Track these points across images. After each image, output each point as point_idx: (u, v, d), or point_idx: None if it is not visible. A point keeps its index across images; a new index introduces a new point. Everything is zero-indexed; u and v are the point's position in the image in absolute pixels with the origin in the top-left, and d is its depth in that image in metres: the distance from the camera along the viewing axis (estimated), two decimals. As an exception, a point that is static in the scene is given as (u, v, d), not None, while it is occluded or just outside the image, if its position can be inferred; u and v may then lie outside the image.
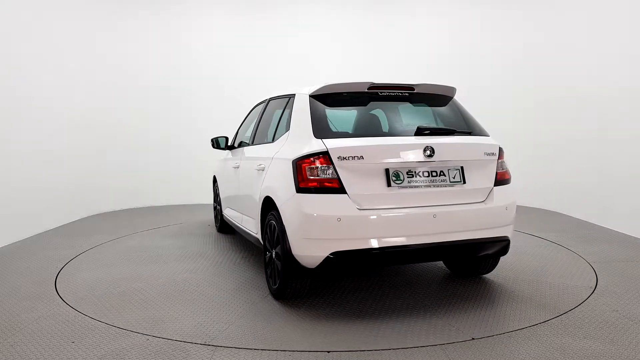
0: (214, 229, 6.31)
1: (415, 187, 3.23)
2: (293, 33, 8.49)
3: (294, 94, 3.86)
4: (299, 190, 3.18)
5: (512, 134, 8.16)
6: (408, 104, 3.86)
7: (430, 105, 3.92)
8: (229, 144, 5.36)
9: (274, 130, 4.12)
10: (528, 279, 4.05)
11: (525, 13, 7.96)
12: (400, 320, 3.19)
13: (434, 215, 3.18)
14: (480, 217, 3.36)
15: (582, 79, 6.83)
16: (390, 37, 8.46)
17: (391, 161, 3.22)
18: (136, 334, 3.03)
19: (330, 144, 3.21)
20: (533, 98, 7.85)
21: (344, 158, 3.14)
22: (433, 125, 3.76)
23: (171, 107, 8.30)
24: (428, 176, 3.27)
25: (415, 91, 3.73)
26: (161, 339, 2.95)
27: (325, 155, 3.16)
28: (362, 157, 3.15)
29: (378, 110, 3.89)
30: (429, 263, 4.54)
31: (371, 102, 3.74)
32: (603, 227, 6.14)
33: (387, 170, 3.20)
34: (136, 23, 8.12)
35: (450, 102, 3.87)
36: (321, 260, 3.11)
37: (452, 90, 3.90)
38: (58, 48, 6.76)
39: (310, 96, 3.60)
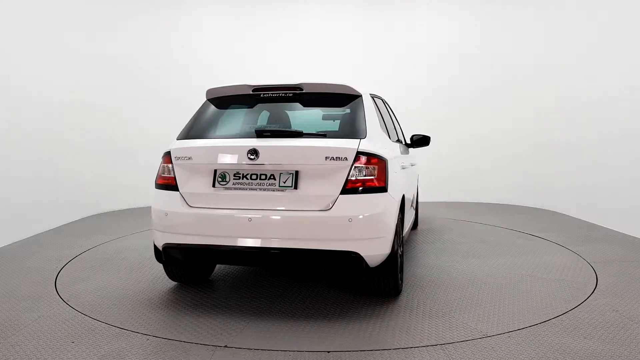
0: None
1: (240, 189, 3.22)
2: (294, 33, 8.49)
3: None
4: (156, 186, 3.54)
5: (512, 134, 8.19)
6: (297, 105, 3.78)
7: (322, 106, 3.86)
8: None
9: None
10: (528, 279, 4.05)
11: (525, 13, 7.97)
12: (400, 320, 3.19)
13: (249, 219, 3.11)
14: (314, 227, 3.08)
15: (582, 78, 6.84)
16: (390, 37, 8.46)
17: (217, 162, 3.30)
18: (136, 333, 3.03)
19: (175, 144, 3.50)
20: (533, 98, 7.85)
21: (178, 158, 3.39)
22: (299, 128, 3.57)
23: (172, 107, 8.29)
24: (256, 179, 3.21)
25: (304, 91, 3.57)
26: (161, 339, 2.95)
27: (168, 155, 3.47)
28: (190, 158, 3.35)
29: (246, 111, 3.94)
30: (430, 265, 4.54)
31: (258, 104, 3.86)
32: (603, 227, 6.14)
33: (215, 171, 3.30)
34: (135, 23, 8.12)
35: (351, 103, 3.57)
36: (162, 250, 3.39)
37: (348, 88, 3.58)
38: (57, 47, 6.75)
39: (207, 99, 3.87)
